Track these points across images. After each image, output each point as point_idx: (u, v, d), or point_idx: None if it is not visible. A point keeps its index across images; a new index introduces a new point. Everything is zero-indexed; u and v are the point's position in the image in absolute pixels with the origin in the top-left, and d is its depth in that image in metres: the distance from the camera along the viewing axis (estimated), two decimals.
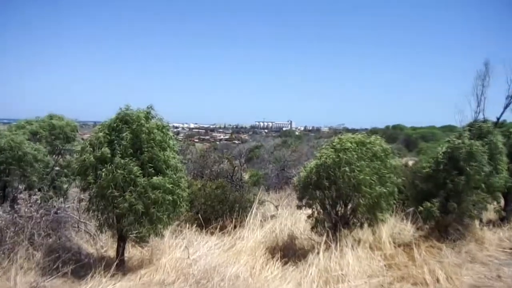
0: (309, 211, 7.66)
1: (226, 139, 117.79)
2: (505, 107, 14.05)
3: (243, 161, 17.39)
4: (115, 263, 6.06)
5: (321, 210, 7.49)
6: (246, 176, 16.14)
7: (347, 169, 6.96)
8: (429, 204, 7.97)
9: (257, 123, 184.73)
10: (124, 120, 6.18)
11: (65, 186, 8.80)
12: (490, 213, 9.78)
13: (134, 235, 6.03)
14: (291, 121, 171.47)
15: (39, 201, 6.83)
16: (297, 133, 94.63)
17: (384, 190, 7.10)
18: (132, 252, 7.01)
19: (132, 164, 5.94)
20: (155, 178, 5.99)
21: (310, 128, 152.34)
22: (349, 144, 7.21)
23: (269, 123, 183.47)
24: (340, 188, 7.08)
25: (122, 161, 5.90)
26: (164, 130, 6.37)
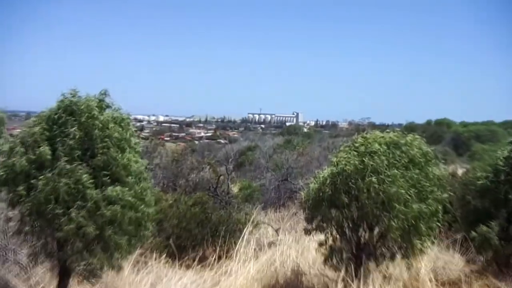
0: (322, 236, 7.72)
1: (208, 137, 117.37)
2: None
3: (231, 167, 17.43)
4: None
5: (337, 236, 7.54)
6: (235, 189, 16.21)
7: (374, 179, 7.04)
8: (485, 228, 8.04)
9: (251, 115, 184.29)
10: (69, 111, 6.22)
11: None
12: None
13: (82, 267, 6.04)
14: (297, 114, 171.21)
15: None
16: (305, 129, 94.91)
17: (424, 208, 7.18)
18: None
19: (80, 170, 5.96)
20: (111, 189, 6.03)
21: (323, 123, 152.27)
22: (377, 146, 7.29)
23: (267, 116, 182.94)
24: (364, 206, 7.14)
25: (67, 166, 5.93)
26: (123, 124, 6.40)
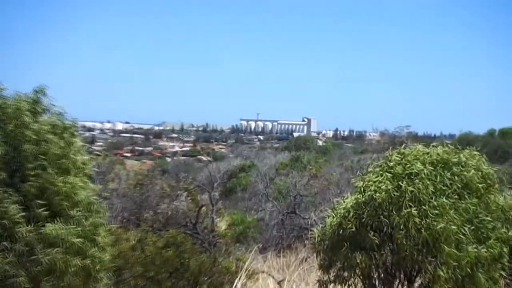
0: None
1: (185, 153, 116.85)
2: None
3: (216, 195, 17.39)
4: None
5: None
6: (222, 225, 16.15)
7: (414, 211, 7.01)
8: None
9: (244, 123, 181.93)
10: None
11: None
12: None
13: None
14: (308, 121, 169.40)
15: None
16: (320, 142, 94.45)
17: (484, 251, 7.12)
18: None
19: (6, 199, 5.92)
20: (50, 226, 5.97)
21: (345, 133, 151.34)
22: (419, 166, 7.30)
23: (267, 123, 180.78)
24: (400, 248, 7.11)
25: None
26: (66, 135, 6.38)
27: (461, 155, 7.61)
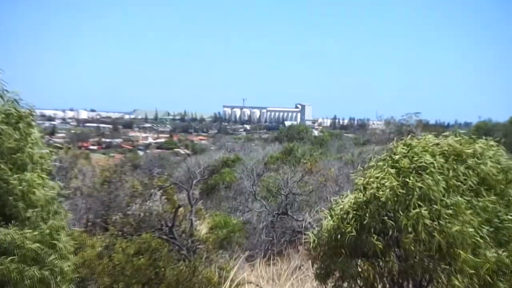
0: None
1: (160, 146, 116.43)
2: None
3: (196, 194, 17.35)
4: None
5: None
6: (203, 229, 16.10)
7: (424, 211, 7.00)
8: None
9: (228, 110, 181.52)
10: None
11: None
12: None
13: None
14: (302, 107, 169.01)
15: None
16: (316, 131, 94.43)
17: (505, 257, 7.10)
18: None
19: None
20: (2, 231, 5.96)
21: (345, 121, 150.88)
22: (428, 158, 7.29)
23: (254, 110, 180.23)
24: (408, 254, 7.12)
25: None
26: (22, 125, 6.36)
27: (477, 146, 7.59)
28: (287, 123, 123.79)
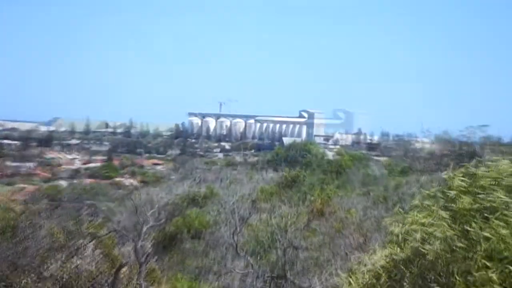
0: None
1: (93, 173, 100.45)
2: None
3: (148, 247, 15.57)
4: None
5: None
6: None
7: (493, 275, 5.68)
8: None
9: (197, 120, 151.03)
10: None
11: None
12: None
13: None
14: (310, 116, 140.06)
15: None
16: (330, 153, 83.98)
17: None
18: None
19: None
20: None
21: (374, 138, 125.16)
22: (502, 196, 6.18)
23: (238, 120, 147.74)
24: None
25: None
26: None
27: None
28: (287, 140, 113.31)
